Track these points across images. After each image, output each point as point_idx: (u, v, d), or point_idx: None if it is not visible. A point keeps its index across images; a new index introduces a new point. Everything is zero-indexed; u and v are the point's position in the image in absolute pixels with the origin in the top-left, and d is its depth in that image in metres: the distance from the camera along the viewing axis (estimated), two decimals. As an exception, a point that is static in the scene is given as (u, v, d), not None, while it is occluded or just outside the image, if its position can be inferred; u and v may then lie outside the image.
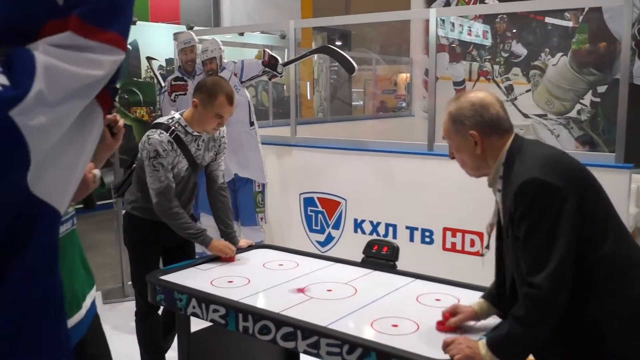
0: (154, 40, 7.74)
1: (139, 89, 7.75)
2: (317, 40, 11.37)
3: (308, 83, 9.87)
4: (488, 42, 8.01)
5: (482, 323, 2.00)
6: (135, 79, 7.81)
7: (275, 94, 7.66)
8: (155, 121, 2.92)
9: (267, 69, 4.31)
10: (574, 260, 1.67)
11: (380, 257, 2.72)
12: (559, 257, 1.65)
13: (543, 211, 1.67)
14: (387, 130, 8.08)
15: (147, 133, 2.80)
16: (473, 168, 1.93)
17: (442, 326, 1.99)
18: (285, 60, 4.51)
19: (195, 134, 2.87)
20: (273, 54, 4.34)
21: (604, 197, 1.79)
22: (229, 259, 2.81)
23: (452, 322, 1.97)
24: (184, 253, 3.02)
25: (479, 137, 1.84)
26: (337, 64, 4.39)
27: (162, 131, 2.79)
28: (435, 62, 4.06)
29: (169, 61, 7.58)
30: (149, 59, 5.78)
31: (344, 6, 15.92)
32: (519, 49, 7.66)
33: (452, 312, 2.00)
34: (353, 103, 11.68)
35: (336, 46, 6.52)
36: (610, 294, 1.71)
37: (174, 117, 2.88)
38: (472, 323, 2.00)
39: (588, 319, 1.71)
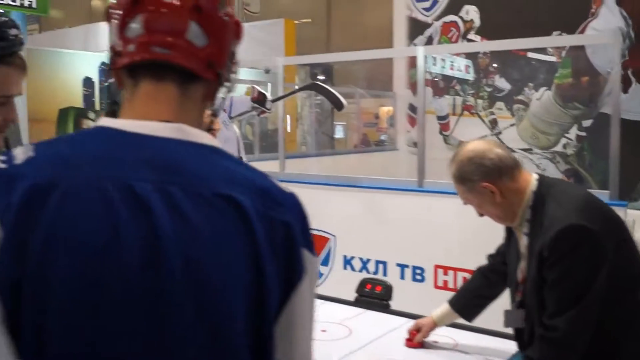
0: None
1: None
2: (300, 74, 11.43)
3: (289, 116, 9.92)
4: (470, 77, 8.09)
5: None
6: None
7: (259, 128, 7.66)
8: None
9: (256, 105, 4.29)
10: (599, 306, 1.65)
11: (374, 296, 2.69)
12: (584, 303, 1.63)
13: (581, 258, 1.65)
14: (372, 163, 8.08)
15: None
16: (502, 217, 1.91)
17: (410, 342, 2.22)
18: (273, 96, 4.51)
19: None
20: (262, 91, 4.33)
21: (631, 237, 1.78)
22: None
23: (419, 338, 2.20)
24: None
25: (492, 185, 1.82)
26: (321, 98, 4.39)
27: None
28: (424, 98, 4.07)
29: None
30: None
31: (326, 41, 16.14)
32: (503, 84, 7.74)
33: (416, 328, 2.22)
34: (336, 136, 11.73)
35: (320, 81, 6.56)
36: None
37: None
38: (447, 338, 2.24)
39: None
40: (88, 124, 7.94)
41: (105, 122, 0.92)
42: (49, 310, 0.80)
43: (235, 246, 0.86)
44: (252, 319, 0.87)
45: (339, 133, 11.95)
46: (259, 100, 4.30)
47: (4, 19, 1.41)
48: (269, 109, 4.32)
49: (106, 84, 10.61)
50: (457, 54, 7.99)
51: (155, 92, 0.94)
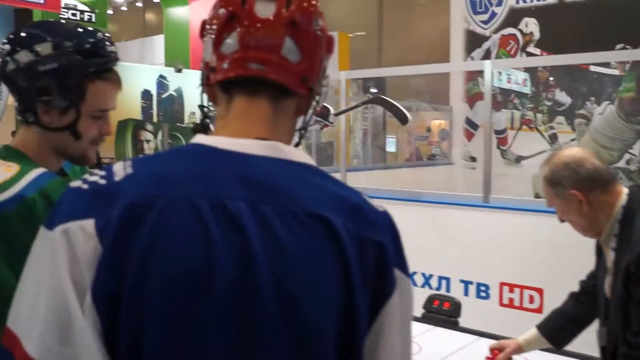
0: (195, 88, 7.85)
1: (182, 134, 7.87)
2: (352, 87, 11.45)
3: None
4: (528, 90, 7.96)
5: None
6: (178, 124, 7.93)
7: (315, 140, 7.68)
8: None
9: (319, 118, 4.30)
10: None
11: (442, 312, 2.66)
12: None
13: None
14: (427, 178, 8.01)
15: None
16: (585, 228, 1.86)
17: None
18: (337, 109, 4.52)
19: None
20: (325, 104, 4.34)
21: None
22: None
23: (501, 358, 2.13)
24: None
25: (581, 195, 1.78)
26: (369, 110, 4.37)
27: None
28: (490, 113, 4.02)
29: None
30: (201, 107, 5.84)
31: (377, 53, 16.13)
32: (563, 97, 7.59)
33: (499, 347, 2.16)
34: (387, 150, 11.67)
35: (373, 94, 6.52)
36: None
37: None
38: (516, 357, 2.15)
39: None
40: (146, 135, 8.16)
41: (200, 139, 0.94)
42: (145, 325, 0.82)
43: (326, 265, 0.86)
44: (342, 336, 0.87)
45: (390, 146, 11.88)
46: (322, 113, 4.31)
47: (101, 35, 1.45)
48: (332, 123, 4.31)
49: (164, 96, 10.88)
50: (516, 67, 7.89)
51: (249, 108, 0.94)
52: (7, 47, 1.39)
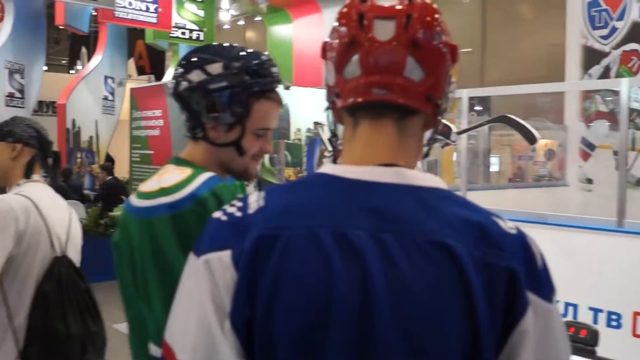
0: (299, 105, 7.99)
1: (288, 150, 7.99)
2: (456, 104, 11.27)
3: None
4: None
5: None
6: (285, 140, 8.05)
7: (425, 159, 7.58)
8: None
9: (440, 137, 4.25)
10: None
11: (578, 340, 2.52)
12: None
13: None
14: (537, 199, 7.72)
15: None
16: None
17: None
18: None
19: None
20: (446, 122, 4.29)
21: None
22: None
23: None
24: None
25: None
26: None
27: None
28: (626, 133, 3.84)
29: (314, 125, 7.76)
30: (317, 124, 5.93)
31: (480, 70, 15.85)
32: (691, 117, 7.16)
33: None
34: (491, 169, 11.39)
35: (476, 111, 6.37)
36: None
37: None
38: None
39: None
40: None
41: (327, 169, 0.97)
42: (276, 348, 0.87)
43: (448, 296, 0.86)
44: None
45: (493, 166, 11.60)
46: (444, 132, 4.26)
47: (265, 57, 1.52)
48: (453, 141, 4.26)
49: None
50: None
51: (374, 132, 0.95)
52: (180, 69, 1.49)
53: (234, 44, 1.53)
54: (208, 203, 1.33)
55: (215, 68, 1.44)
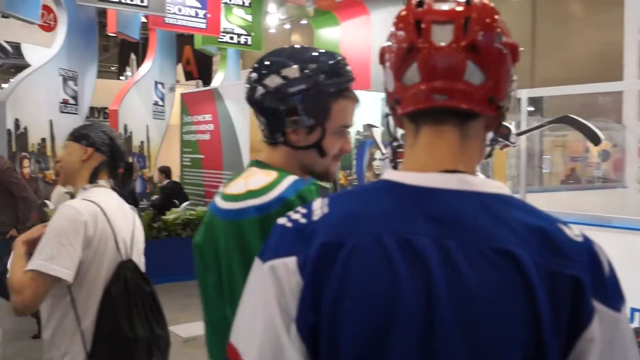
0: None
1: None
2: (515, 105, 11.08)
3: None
4: None
5: None
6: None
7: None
8: None
9: (500, 138, 4.15)
10: None
11: (649, 349, 2.43)
12: None
13: None
14: (594, 201, 7.51)
15: None
16: None
17: None
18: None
19: None
20: (506, 124, 4.19)
21: None
22: None
23: None
24: None
25: None
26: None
27: None
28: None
29: (365, 127, 7.72)
30: (369, 126, 5.89)
31: (530, 69, 15.57)
32: None
33: None
34: (544, 170, 11.15)
35: (530, 112, 6.15)
36: None
37: None
38: None
39: None
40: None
41: (389, 175, 0.97)
42: (342, 354, 0.88)
43: (512, 304, 0.85)
44: None
45: (546, 167, 11.36)
46: (503, 134, 4.16)
47: (338, 57, 1.50)
48: (513, 143, 4.16)
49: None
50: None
51: (436, 138, 0.95)
52: (254, 75, 1.47)
53: (305, 46, 1.51)
54: (295, 206, 1.31)
55: (292, 71, 1.43)
